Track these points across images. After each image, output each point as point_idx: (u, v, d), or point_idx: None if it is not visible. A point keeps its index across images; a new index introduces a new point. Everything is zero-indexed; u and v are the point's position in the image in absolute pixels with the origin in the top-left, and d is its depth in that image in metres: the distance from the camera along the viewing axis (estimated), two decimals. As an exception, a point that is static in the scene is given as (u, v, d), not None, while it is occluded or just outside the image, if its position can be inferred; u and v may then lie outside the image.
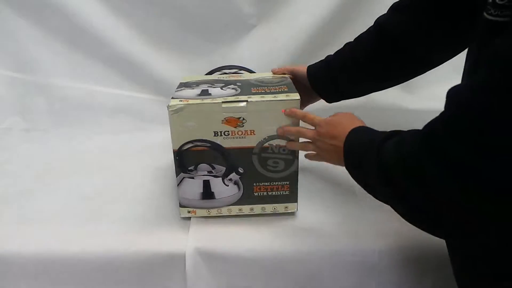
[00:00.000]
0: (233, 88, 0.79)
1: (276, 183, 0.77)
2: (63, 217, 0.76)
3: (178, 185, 0.77)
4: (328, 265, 0.69)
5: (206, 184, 0.77)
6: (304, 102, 0.86)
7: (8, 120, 1.12)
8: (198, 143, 0.74)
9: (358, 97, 0.89)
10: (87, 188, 0.85)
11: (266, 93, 0.75)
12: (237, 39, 1.12)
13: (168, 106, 0.71)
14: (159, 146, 0.97)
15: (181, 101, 0.72)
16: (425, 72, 0.82)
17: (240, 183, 0.77)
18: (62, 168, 0.93)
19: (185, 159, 0.75)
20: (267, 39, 1.11)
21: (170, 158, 0.74)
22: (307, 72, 0.88)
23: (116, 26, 1.08)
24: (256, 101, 0.72)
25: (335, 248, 0.69)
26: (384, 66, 0.80)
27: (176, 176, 0.76)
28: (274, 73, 0.89)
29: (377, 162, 0.53)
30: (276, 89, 0.77)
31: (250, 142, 0.74)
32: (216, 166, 0.76)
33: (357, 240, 0.70)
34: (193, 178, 0.77)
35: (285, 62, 1.09)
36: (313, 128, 0.73)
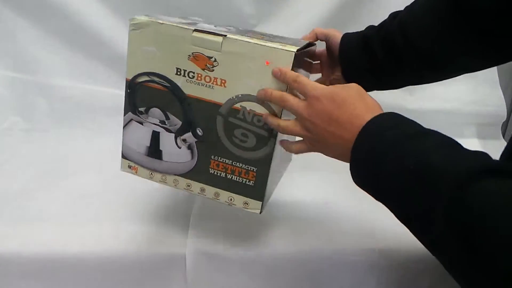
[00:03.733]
0: (228, 28, 0.62)
1: (240, 164, 0.59)
2: (63, 217, 0.76)
3: (124, 126, 0.63)
4: (328, 265, 0.69)
5: (155, 136, 0.61)
6: (327, 82, 0.69)
7: (8, 120, 1.12)
8: (156, 79, 0.58)
9: (394, 88, 0.71)
10: (87, 188, 0.85)
11: (257, 38, 0.56)
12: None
13: (130, 20, 0.59)
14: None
15: (149, 17, 0.59)
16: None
17: (195, 149, 0.60)
18: (62, 168, 0.93)
19: (137, 96, 0.60)
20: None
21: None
22: (340, 42, 0.67)
23: (116, 26, 1.08)
24: (236, 40, 0.55)
25: (335, 248, 0.69)
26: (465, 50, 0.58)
27: (124, 115, 0.63)
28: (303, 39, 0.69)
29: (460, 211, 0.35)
30: (275, 40, 0.57)
31: (218, 96, 0.57)
32: (171, 116, 0.60)
33: (357, 240, 0.70)
34: (142, 124, 0.61)
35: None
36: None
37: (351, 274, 0.70)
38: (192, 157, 0.61)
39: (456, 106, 1.08)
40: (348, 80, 0.68)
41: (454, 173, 0.37)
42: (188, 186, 0.62)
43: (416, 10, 0.62)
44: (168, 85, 0.58)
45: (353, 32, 0.69)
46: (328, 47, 0.70)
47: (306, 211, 0.78)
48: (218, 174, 0.60)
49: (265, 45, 0.54)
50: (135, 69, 0.59)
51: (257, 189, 0.59)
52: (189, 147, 0.60)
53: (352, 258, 0.69)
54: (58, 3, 1.04)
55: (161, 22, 0.58)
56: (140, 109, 0.60)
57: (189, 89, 0.58)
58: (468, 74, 0.67)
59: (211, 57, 0.56)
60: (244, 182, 0.59)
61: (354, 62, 0.67)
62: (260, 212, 0.60)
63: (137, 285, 0.70)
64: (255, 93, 0.56)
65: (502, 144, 1.09)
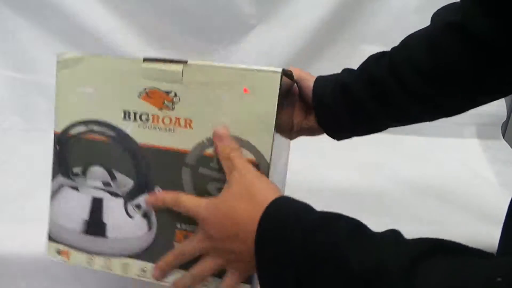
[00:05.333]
0: None
1: None
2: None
3: (52, 196, 0.51)
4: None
5: (97, 205, 0.48)
6: (297, 130, 0.61)
7: (8, 120, 1.12)
8: (96, 128, 0.46)
9: (377, 132, 0.63)
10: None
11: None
12: (237, 39, 1.12)
13: (57, 56, 0.47)
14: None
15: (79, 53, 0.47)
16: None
17: (153, 218, 0.47)
18: (62, 168, 0.93)
19: (71, 153, 0.48)
20: (267, 39, 1.11)
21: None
22: (313, 86, 0.59)
23: (116, 26, 1.08)
24: (201, 66, 0.44)
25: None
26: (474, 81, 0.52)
27: (52, 180, 0.50)
28: None
29: None
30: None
31: (183, 141, 0.45)
32: (118, 175, 0.47)
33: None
34: (77, 189, 0.48)
35: (286, 62, 1.08)
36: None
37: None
38: (150, 229, 0.47)
39: (456, 106, 1.08)
40: (324, 128, 0.61)
41: (389, 273, 0.32)
42: (143, 272, 0.47)
43: (412, 51, 0.55)
44: (113, 134, 0.46)
45: (327, 76, 0.61)
46: (300, 90, 0.61)
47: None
48: None
49: (240, 68, 0.43)
50: (67, 118, 0.47)
51: None
52: (145, 215, 0.46)
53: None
54: (58, 3, 1.04)
55: (101, 56, 0.47)
56: (74, 170, 0.48)
57: (142, 136, 0.46)
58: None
59: (170, 92, 0.44)
60: None
61: (330, 109, 0.59)
62: None
63: (138, 285, 0.70)
64: (233, 133, 0.44)
65: (502, 144, 1.10)
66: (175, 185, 0.46)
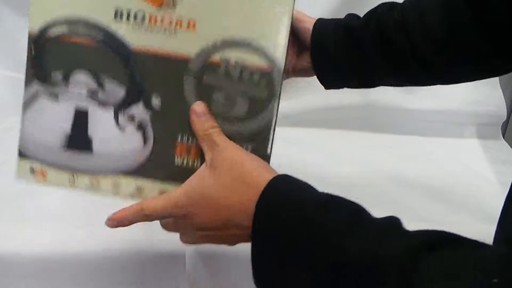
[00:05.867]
0: None
1: None
2: (63, 217, 0.76)
3: (24, 107, 0.44)
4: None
5: (81, 116, 0.41)
6: (287, 71, 0.57)
7: (8, 120, 1.12)
8: (81, 29, 0.39)
9: (369, 87, 0.61)
10: (87, 188, 0.84)
11: None
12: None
13: None
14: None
15: None
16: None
17: (149, 130, 0.41)
18: (62, 168, 0.92)
19: (49, 57, 0.41)
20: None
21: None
22: (314, 26, 0.58)
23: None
24: None
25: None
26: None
27: (25, 87, 0.42)
28: None
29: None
30: None
31: (185, 45, 0.40)
32: (108, 82, 0.41)
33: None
34: (57, 98, 0.41)
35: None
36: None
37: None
38: (145, 143, 0.41)
39: (456, 106, 1.08)
40: (318, 73, 0.59)
41: (387, 263, 0.31)
42: (139, 191, 0.43)
43: (425, 9, 0.53)
44: (102, 37, 0.39)
45: (329, 19, 0.60)
46: (296, 30, 0.58)
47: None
48: (189, 166, 0.41)
49: None
50: (45, 14, 0.39)
51: None
52: (140, 127, 0.41)
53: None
54: (58, 3, 1.04)
55: None
56: (54, 76, 0.41)
57: (137, 39, 0.40)
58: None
59: None
60: None
61: (329, 53, 0.56)
62: None
63: (137, 285, 0.70)
64: (242, 36, 0.40)
65: (502, 144, 1.10)
66: (176, 95, 0.40)
